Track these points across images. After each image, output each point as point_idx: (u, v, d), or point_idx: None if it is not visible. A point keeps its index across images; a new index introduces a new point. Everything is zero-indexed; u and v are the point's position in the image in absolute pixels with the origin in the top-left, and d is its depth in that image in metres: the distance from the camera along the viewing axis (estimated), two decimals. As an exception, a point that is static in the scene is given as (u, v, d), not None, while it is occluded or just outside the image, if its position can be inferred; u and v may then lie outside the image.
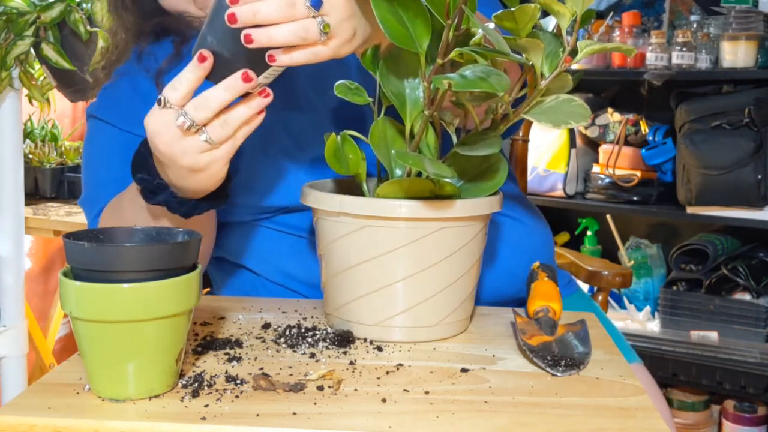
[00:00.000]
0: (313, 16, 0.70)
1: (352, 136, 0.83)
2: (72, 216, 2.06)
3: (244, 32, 0.70)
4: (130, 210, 0.89)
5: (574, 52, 0.75)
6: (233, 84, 0.72)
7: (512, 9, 0.71)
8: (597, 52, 0.75)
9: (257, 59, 0.73)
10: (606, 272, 1.49)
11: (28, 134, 2.38)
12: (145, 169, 0.81)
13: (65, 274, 0.66)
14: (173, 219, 0.86)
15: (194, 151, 0.74)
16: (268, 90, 0.74)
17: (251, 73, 0.72)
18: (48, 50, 1.66)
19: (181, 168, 0.76)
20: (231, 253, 1.05)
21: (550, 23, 0.81)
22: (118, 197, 0.94)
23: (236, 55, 0.73)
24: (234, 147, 0.76)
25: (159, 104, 0.74)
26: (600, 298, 1.50)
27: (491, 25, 0.76)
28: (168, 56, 1.03)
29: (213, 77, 0.73)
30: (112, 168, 0.99)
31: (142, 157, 0.82)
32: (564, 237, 2.72)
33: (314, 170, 0.98)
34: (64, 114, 2.64)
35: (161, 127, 0.74)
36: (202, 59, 0.72)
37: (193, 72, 0.73)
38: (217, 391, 0.68)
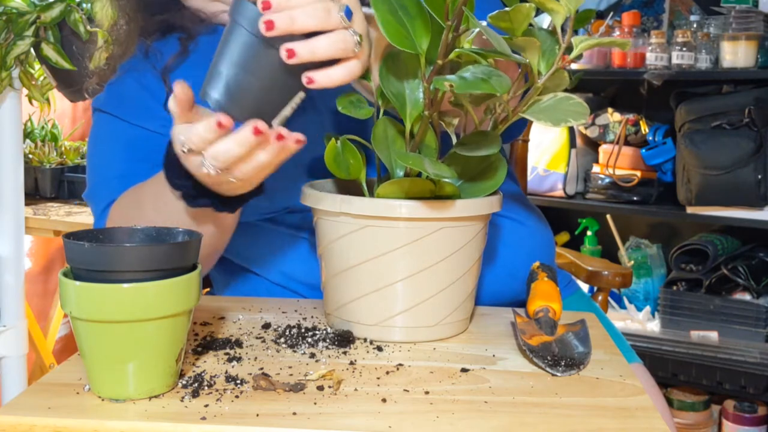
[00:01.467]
0: (345, 27, 0.69)
1: (352, 139, 0.83)
2: (72, 216, 2.06)
3: (285, 47, 0.66)
4: (151, 207, 0.87)
5: (569, 49, 0.75)
6: (246, 138, 0.69)
7: (507, 9, 0.71)
8: (592, 47, 0.75)
9: (278, 90, 0.70)
10: (606, 272, 1.49)
11: (28, 134, 2.38)
12: (180, 174, 0.79)
13: (65, 274, 0.66)
14: (204, 217, 0.85)
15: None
16: (290, 135, 0.70)
17: (261, 126, 0.69)
18: (48, 50, 1.66)
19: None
20: (232, 252, 1.05)
21: (544, 21, 0.81)
22: (135, 193, 0.92)
23: (259, 86, 0.69)
24: (249, 176, 0.74)
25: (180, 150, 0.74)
26: (600, 298, 1.50)
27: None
28: (174, 53, 1.02)
29: (235, 113, 0.71)
30: (119, 162, 0.98)
31: (173, 161, 0.79)
32: (564, 237, 2.72)
33: (316, 170, 0.98)
34: (64, 114, 2.64)
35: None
36: (221, 126, 0.69)
37: (210, 133, 0.70)
38: (217, 391, 0.68)
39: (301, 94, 0.72)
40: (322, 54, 0.68)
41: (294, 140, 0.71)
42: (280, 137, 0.70)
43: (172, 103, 0.72)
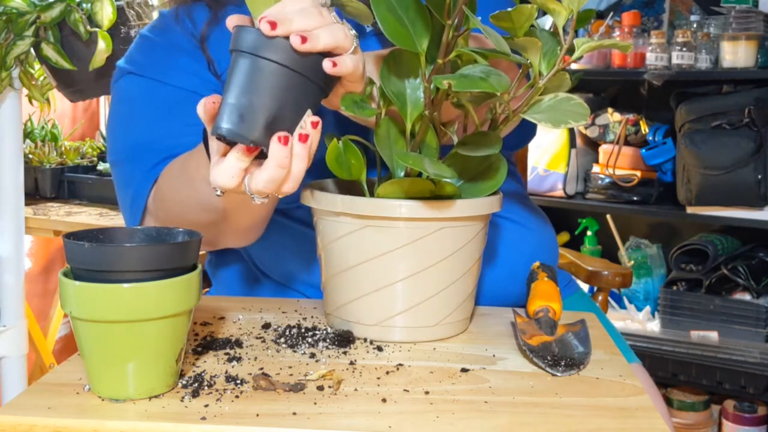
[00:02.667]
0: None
1: (353, 140, 0.83)
2: (72, 216, 2.06)
3: (296, 34, 0.68)
4: (202, 183, 0.86)
5: (571, 50, 0.75)
6: (282, 155, 0.70)
7: (509, 9, 0.71)
8: (594, 49, 0.75)
9: (289, 107, 0.71)
10: (606, 272, 1.49)
11: (28, 134, 2.38)
12: None
13: (65, 274, 0.66)
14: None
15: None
16: (310, 129, 0.72)
17: (284, 134, 0.70)
18: (48, 50, 1.66)
19: None
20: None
21: (547, 22, 0.81)
22: (182, 165, 0.91)
23: (270, 106, 0.70)
24: (295, 188, 0.75)
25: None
26: (600, 298, 1.50)
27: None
28: (206, 21, 1.02)
29: (252, 136, 0.70)
30: (161, 124, 0.97)
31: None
32: (564, 237, 2.72)
33: (316, 170, 0.97)
34: (64, 114, 2.64)
35: None
36: (250, 151, 0.71)
37: (242, 161, 0.72)
38: (217, 391, 0.68)
39: (309, 113, 0.72)
40: (325, 40, 0.70)
41: (313, 129, 0.72)
42: (304, 138, 0.71)
43: (200, 112, 0.73)
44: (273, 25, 0.68)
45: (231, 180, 0.72)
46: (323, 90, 0.73)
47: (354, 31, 0.72)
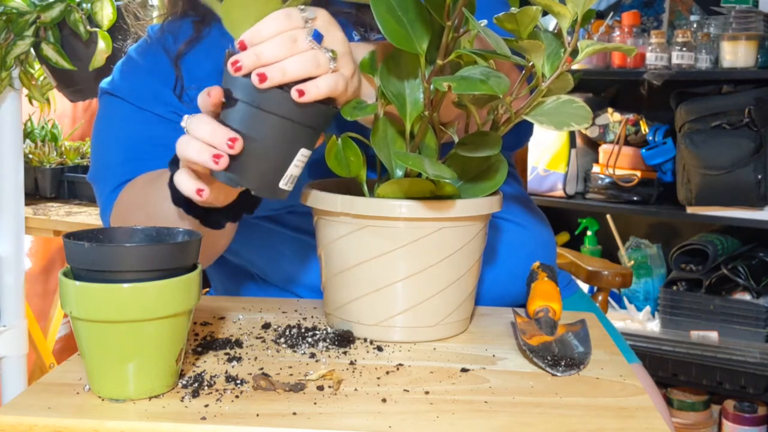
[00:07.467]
0: (315, 49, 0.70)
1: (353, 137, 0.83)
2: (72, 216, 2.06)
3: (256, 72, 0.67)
4: (153, 203, 0.88)
5: (574, 53, 0.75)
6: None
7: (514, 11, 0.71)
8: (598, 52, 0.75)
9: (277, 148, 0.71)
10: (606, 272, 1.49)
11: (28, 134, 2.37)
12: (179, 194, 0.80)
13: (65, 274, 0.66)
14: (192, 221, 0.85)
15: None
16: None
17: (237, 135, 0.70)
18: (48, 50, 1.66)
19: None
20: (230, 252, 1.05)
21: (550, 23, 0.81)
22: (145, 182, 0.92)
23: (263, 140, 0.70)
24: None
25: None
26: (600, 298, 1.50)
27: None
28: (187, 38, 1.02)
29: (244, 181, 0.72)
30: (128, 145, 0.97)
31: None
32: (564, 237, 2.72)
33: (316, 170, 0.98)
34: (64, 114, 2.64)
35: None
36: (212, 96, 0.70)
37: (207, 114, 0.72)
38: (217, 391, 0.68)
39: (304, 151, 0.72)
40: (293, 72, 0.68)
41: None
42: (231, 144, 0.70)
43: (202, 102, 0.72)
44: (237, 67, 0.68)
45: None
46: (313, 128, 0.72)
47: (331, 53, 0.71)
